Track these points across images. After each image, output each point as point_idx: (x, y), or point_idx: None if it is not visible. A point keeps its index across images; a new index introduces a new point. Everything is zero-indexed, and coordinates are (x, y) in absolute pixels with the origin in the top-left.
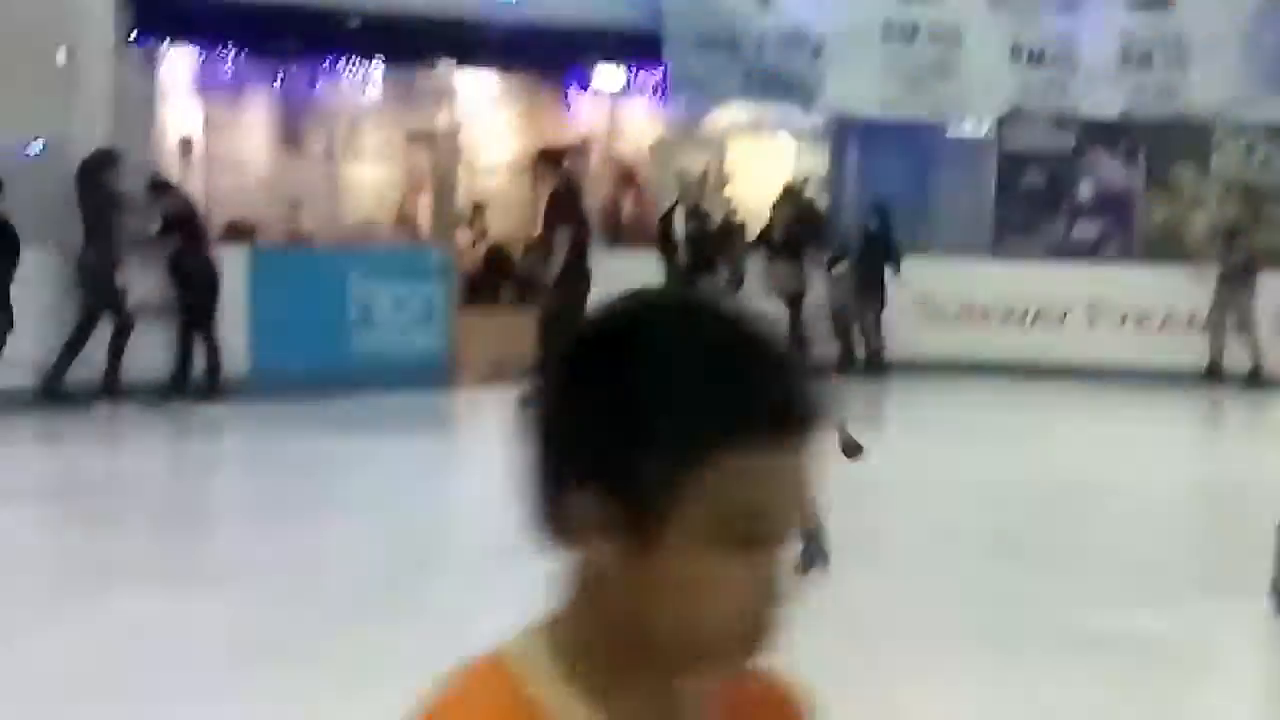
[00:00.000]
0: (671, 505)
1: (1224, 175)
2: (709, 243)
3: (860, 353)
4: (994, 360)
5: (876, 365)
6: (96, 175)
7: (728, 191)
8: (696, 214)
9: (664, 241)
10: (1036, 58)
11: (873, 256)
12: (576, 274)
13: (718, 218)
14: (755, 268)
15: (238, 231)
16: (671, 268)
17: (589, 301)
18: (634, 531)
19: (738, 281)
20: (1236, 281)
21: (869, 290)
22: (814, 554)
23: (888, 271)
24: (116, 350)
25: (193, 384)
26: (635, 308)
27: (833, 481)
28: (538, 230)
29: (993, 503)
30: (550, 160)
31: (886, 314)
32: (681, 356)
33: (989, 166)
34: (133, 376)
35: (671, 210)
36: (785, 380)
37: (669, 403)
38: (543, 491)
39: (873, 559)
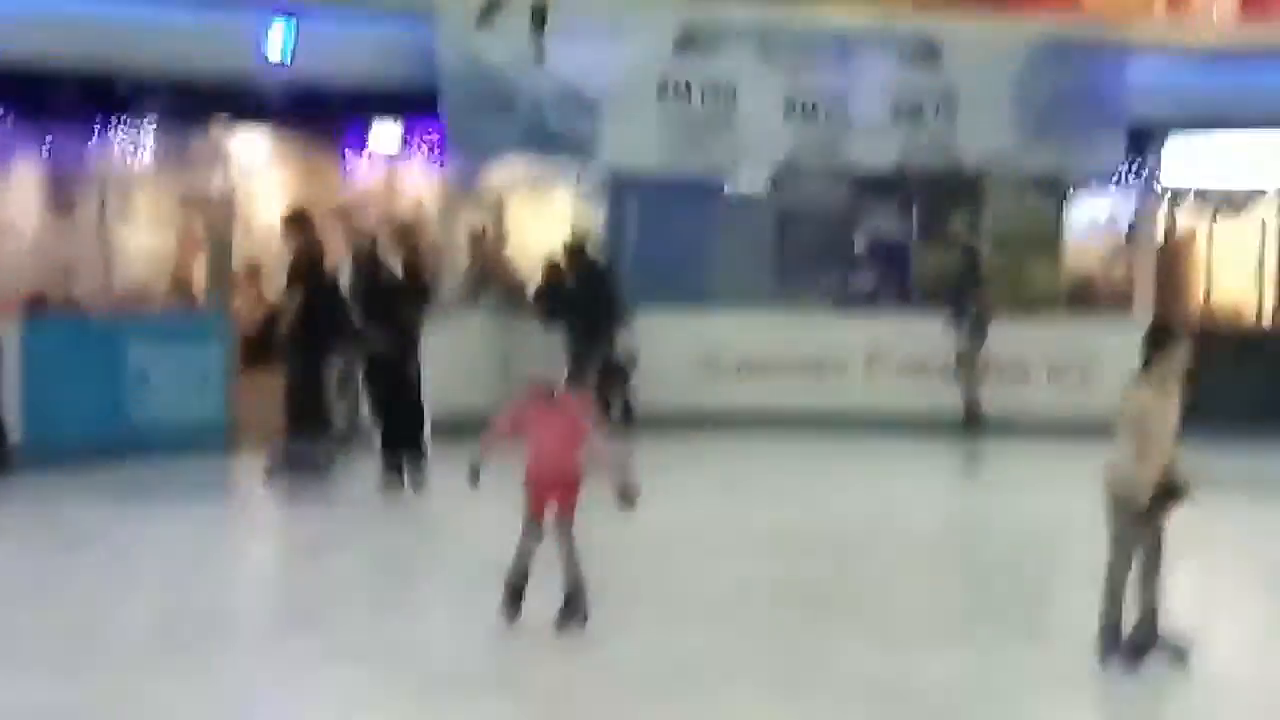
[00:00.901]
0: None
1: (995, 224)
2: (380, 298)
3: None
4: (778, 411)
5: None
6: None
7: (507, 249)
8: (369, 267)
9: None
10: (810, 112)
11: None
12: (311, 337)
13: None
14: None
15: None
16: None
17: (327, 366)
18: None
19: (410, 340)
20: (969, 330)
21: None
22: (575, 610)
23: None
24: None
25: None
26: None
27: (618, 533)
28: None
29: (777, 552)
30: (293, 222)
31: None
32: None
33: (766, 221)
34: None
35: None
36: None
37: None
38: None
39: (658, 610)
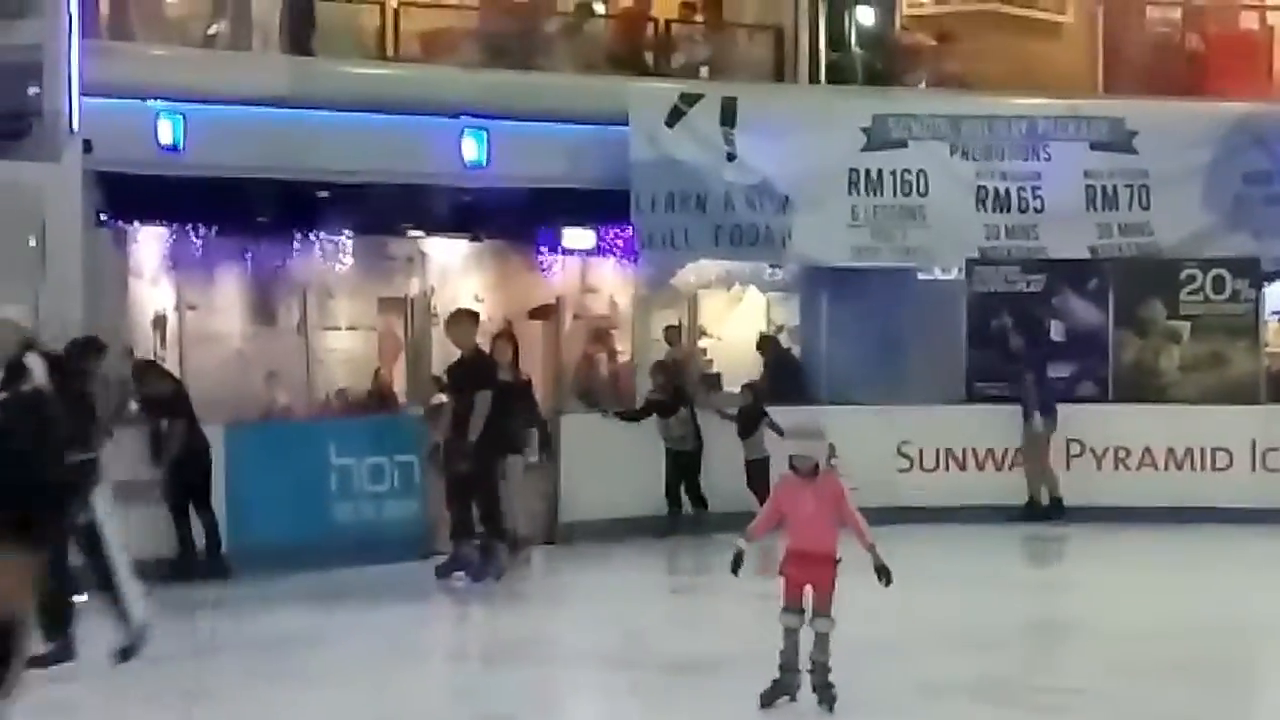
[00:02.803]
0: None
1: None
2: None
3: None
4: (978, 504)
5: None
6: (80, 361)
7: (702, 344)
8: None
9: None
10: (1002, 199)
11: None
12: (496, 439)
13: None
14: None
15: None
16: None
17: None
18: None
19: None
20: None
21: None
22: (825, 692)
23: None
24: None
25: (193, 565)
26: None
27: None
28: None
29: (979, 647)
30: (467, 318)
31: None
32: None
33: (959, 310)
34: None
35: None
36: None
37: None
38: None
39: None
